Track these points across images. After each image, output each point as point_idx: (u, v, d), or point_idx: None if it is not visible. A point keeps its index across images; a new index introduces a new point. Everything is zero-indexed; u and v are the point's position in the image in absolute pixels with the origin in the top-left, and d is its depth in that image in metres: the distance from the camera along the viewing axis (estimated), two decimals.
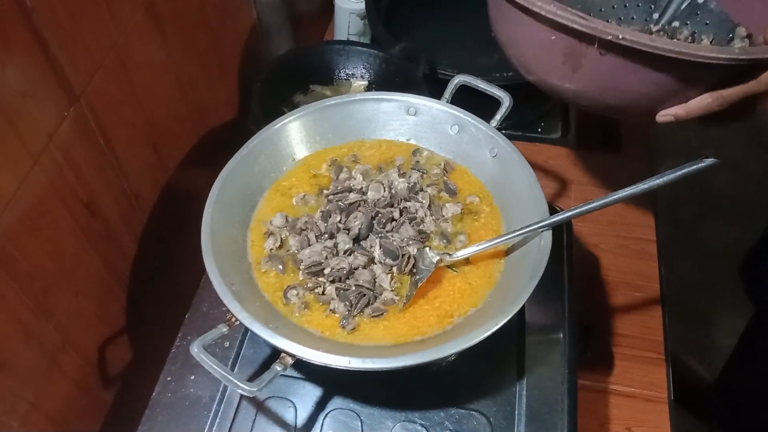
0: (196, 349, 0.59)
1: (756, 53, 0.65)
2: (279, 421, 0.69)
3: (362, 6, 1.20)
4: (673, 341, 0.93)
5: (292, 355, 0.59)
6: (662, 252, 1.02)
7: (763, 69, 0.66)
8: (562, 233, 0.83)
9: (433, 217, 0.76)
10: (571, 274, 0.81)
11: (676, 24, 0.91)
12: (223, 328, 0.63)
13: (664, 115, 0.73)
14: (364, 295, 0.68)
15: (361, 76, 1.12)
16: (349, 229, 0.73)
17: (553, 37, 0.70)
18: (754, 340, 1.24)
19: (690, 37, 0.87)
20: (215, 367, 0.58)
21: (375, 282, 0.70)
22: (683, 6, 0.91)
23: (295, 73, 1.09)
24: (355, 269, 0.70)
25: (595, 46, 0.68)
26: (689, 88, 0.70)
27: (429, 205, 0.77)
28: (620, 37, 0.64)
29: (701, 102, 0.70)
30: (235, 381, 0.57)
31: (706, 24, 0.88)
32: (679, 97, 0.71)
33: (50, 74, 0.65)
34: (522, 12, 0.72)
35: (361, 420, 0.69)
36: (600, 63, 0.70)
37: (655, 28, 0.92)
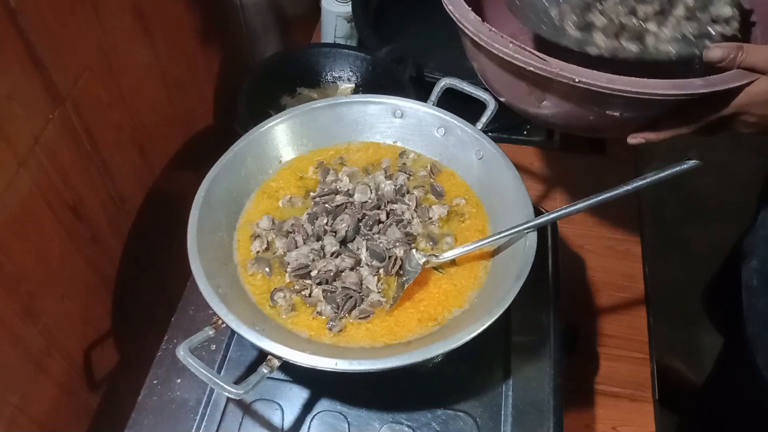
0: (182, 352, 0.59)
1: (717, 85, 0.64)
2: (266, 423, 0.69)
3: (349, 9, 1.20)
4: (657, 342, 0.94)
5: (278, 358, 0.59)
6: (647, 253, 1.03)
7: (731, 92, 0.65)
8: (548, 234, 0.83)
9: (420, 219, 0.77)
10: (557, 275, 0.81)
11: None
12: (210, 331, 0.63)
13: (635, 137, 0.73)
14: (351, 297, 0.68)
15: (348, 79, 1.12)
16: (335, 232, 0.73)
17: (513, 78, 0.70)
18: (729, 368, 1.20)
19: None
20: (201, 370, 0.58)
21: (362, 284, 0.70)
22: None
23: (281, 75, 1.09)
24: (342, 271, 0.70)
25: (554, 86, 0.68)
26: (656, 113, 0.70)
27: (416, 207, 0.77)
28: (576, 80, 0.64)
29: (671, 127, 0.70)
30: (222, 384, 0.57)
31: None
32: (647, 120, 0.71)
33: (36, 77, 0.65)
34: (482, 52, 0.72)
35: (348, 422, 0.69)
36: (562, 99, 0.70)
37: None
